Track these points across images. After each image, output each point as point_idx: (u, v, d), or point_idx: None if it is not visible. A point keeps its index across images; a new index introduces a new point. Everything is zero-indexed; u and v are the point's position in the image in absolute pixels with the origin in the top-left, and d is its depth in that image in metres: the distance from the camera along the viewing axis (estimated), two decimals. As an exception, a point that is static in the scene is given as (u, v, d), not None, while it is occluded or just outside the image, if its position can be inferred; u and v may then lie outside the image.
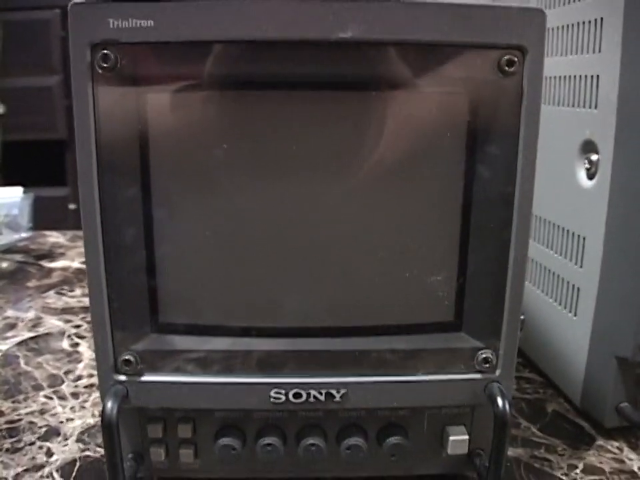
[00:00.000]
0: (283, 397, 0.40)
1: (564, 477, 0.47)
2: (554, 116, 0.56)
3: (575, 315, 0.54)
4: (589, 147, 0.51)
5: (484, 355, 0.40)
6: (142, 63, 0.36)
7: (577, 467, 0.48)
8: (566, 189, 0.55)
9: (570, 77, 0.54)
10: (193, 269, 0.40)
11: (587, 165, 0.52)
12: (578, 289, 0.54)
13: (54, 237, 1.05)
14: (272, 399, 0.40)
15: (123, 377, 0.40)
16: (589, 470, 0.48)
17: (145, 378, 0.40)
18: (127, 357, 0.39)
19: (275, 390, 0.39)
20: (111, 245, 0.38)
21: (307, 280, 0.40)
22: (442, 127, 0.38)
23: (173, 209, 0.39)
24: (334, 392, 0.40)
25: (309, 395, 0.40)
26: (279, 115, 0.38)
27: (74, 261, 0.94)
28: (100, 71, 0.36)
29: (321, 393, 0.40)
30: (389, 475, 0.45)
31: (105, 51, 0.35)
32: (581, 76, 0.52)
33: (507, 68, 0.36)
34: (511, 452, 0.49)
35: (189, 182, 0.38)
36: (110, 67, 0.35)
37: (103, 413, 0.38)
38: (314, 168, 0.38)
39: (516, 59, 0.36)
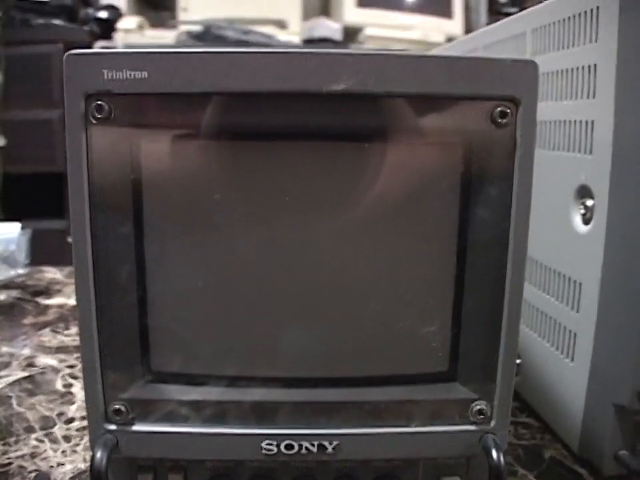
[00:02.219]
0: (275, 449, 0.39)
1: (561, 528, 0.46)
2: (549, 160, 0.56)
3: (572, 361, 0.54)
4: (584, 192, 0.51)
5: (478, 407, 0.40)
6: (135, 114, 0.36)
7: (574, 518, 0.47)
8: (562, 234, 0.55)
9: (565, 121, 0.54)
10: (185, 317, 0.40)
11: (583, 210, 0.51)
12: (575, 334, 0.54)
13: (51, 273, 1.05)
14: (264, 450, 0.39)
15: (113, 427, 0.39)
16: (587, 520, 0.47)
17: (136, 427, 0.39)
18: (117, 407, 0.39)
19: (267, 441, 0.39)
20: (102, 296, 0.38)
21: (300, 329, 0.39)
22: (436, 177, 0.38)
23: (166, 255, 0.39)
24: (326, 443, 0.39)
25: (301, 446, 0.39)
26: (272, 164, 0.38)
27: (70, 298, 0.93)
28: (94, 121, 0.36)
29: (313, 445, 0.39)
30: (383, 526, 0.44)
31: (99, 102, 0.35)
32: (575, 121, 0.52)
33: (499, 119, 0.37)
34: (507, 501, 0.49)
35: (182, 230, 0.38)
36: (104, 118, 0.36)
37: (92, 463, 0.38)
38: (307, 217, 0.38)
39: (508, 110, 0.36)
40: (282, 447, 0.39)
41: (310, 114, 0.37)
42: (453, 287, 0.39)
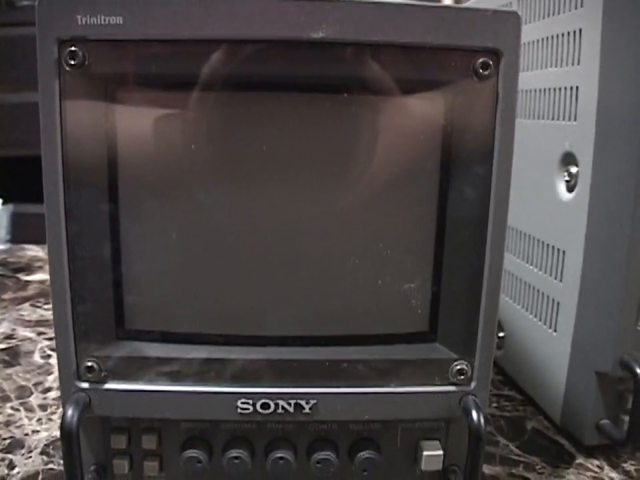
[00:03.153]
0: (251, 408, 0.38)
1: (542, 496, 0.46)
2: (534, 129, 0.55)
3: (555, 331, 0.54)
4: (568, 159, 0.51)
5: (459, 367, 0.39)
6: (111, 61, 0.35)
7: (555, 486, 0.47)
8: (545, 202, 0.54)
9: (549, 89, 0.53)
10: (160, 275, 0.39)
11: (567, 178, 0.51)
12: (558, 303, 0.53)
13: (33, 251, 1.04)
14: (239, 410, 0.38)
15: (85, 385, 0.38)
16: (567, 489, 0.47)
17: (109, 385, 0.38)
18: (89, 364, 0.38)
19: (242, 400, 0.38)
20: (75, 247, 0.37)
21: (277, 288, 0.39)
22: (417, 131, 0.37)
23: (141, 210, 0.38)
24: (303, 403, 0.38)
25: (277, 405, 0.38)
26: (251, 116, 0.37)
27: (51, 274, 0.92)
28: (67, 68, 0.35)
29: (289, 404, 0.38)
30: (360, 490, 0.44)
31: (73, 48, 0.34)
32: (560, 88, 0.51)
33: (481, 71, 0.36)
34: (488, 470, 0.48)
35: (157, 183, 0.37)
36: (77, 65, 0.35)
37: (62, 422, 0.37)
38: (286, 173, 0.38)
39: (491, 62, 0.36)
40: (258, 406, 0.38)
41: (289, 63, 0.36)
42: (434, 245, 0.39)
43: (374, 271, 0.38)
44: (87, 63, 0.35)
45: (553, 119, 0.53)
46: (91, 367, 0.38)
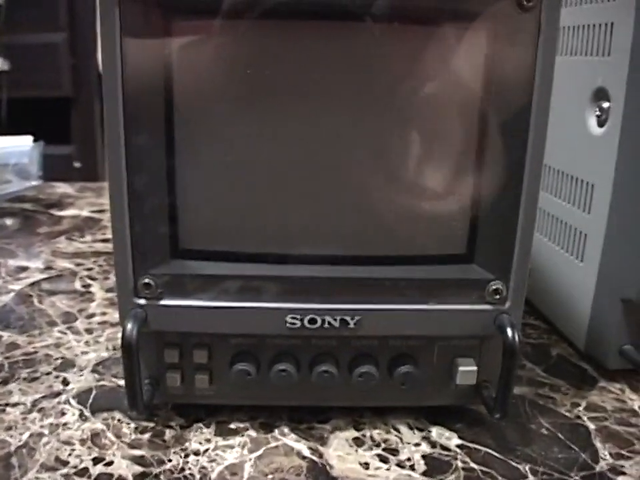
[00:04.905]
0: (299, 323, 0.41)
1: (567, 413, 0.48)
2: (566, 65, 0.56)
3: (582, 261, 0.55)
4: (600, 94, 0.52)
5: (494, 287, 0.41)
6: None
7: (579, 405, 0.49)
8: (576, 137, 0.55)
9: (584, 25, 0.54)
10: (213, 195, 0.41)
11: (598, 113, 0.52)
12: (585, 235, 0.55)
13: (62, 188, 1.06)
14: (288, 324, 0.41)
15: (142, 301, 0.41)
16: (591, 408, 0.49)
17: (164, 302, 0.41)
18: (146, 281, 0.40)
19: (291, 315, 0.40)
20: (133, 169, 0.39)
21: (323, 208, 0.41)
22: (460, 59, 0.39)
23: (195, 134, 0.39)
24: (348, 319, 0.41)
25: (323, 320, 0.41)
26: (300, 43, 0.38)
27: (83, 210, 0.94)
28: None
29: (335, 319, 0.41)
30: (398, 404, 0.46)
31: (132, -25, 0.36)
32: (594, 24, 0.52)
33: (525, 2, 0.37)
34: (516, 390, 0.50)
35: (210, 108, 0.39)
36: (138, -7, 0.36)
37: (122, 336, 0.40)
38: (331, 100, 0.39)
39: (535, -6, 0.37)
40: (305, 321, 0.41)
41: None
42: (473, 169, 0.40)
43: (416, 191, 0.40)
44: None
45: (586, 54, 0.54)
46: (148, 283, 0.40)
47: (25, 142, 0.93)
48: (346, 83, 0.39)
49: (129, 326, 0.40)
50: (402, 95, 0.39)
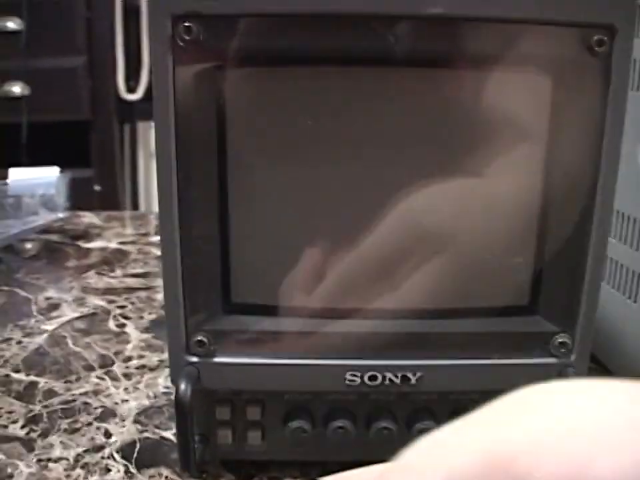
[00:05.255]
0: (359, 380, 0.39)
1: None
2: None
3: (635, 302, 0.54)
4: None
5: (560, 340, 0.40)
6: (224, 37, 0.35)
7: None
8: (627, 174, 0.54)
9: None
10: (266, 247, 0.39)
11: (650, 148, 0.51)
12: (638, 274, 0.53)
13: (88, 218, 1.05)
14: (347, 381, 0.39)
15: (195, 358, 0.39)
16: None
17: (217, 359, 0.39)
18: (199, 338, 0.39)
19: (351, 372, 0.39)
20: (186, 222, 0.37)
21: (385, 263, 0.39)
22: (525, 106, 0.37)
23: (249, 187, 0.38)
24: (410, 375, 0.39)
25: (384, 377, 0.39)
26: (359, 90, 0.37)
27: (111, 242, 0.93)
28: (181, 44, 0.35)
29: (397, 376, 0.39)
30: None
31: (187, 24, 0.34)
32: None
33: (596, 48, 0.35)
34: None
35: (266, 161, 0.38)
36: (192, 40, 0.35)
37: (176, 395, 0.38)
38: (396, 148, 0.38)
39: (605, 38, 0.35)
40: (365, 378, 0.39)
41: (402, 38, 0.35)
42: (538, 221, 0.39)
43: (482, 245, 0.39)
44: (201, 37, 0.35)
45: (637, 90, 0.52)
46: (201, 340, 0.39)
47: (51, 173, 0.92)
48: (407, 132, 0.38)
49: (183, 386, 0.38)
50: (466, 142, 0.38)
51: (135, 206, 2.11)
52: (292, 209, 0.38)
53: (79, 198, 1.34)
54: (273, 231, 0.39)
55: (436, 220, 0.39)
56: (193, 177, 0.37)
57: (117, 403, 0.53)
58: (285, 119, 0.37)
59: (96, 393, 0.54)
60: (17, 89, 1.80)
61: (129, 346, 0.63)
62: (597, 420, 0.18)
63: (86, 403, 0.53)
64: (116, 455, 0.46)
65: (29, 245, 0.92)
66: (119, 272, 0.82)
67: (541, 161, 0.38)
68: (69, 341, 0.64)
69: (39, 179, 0.90)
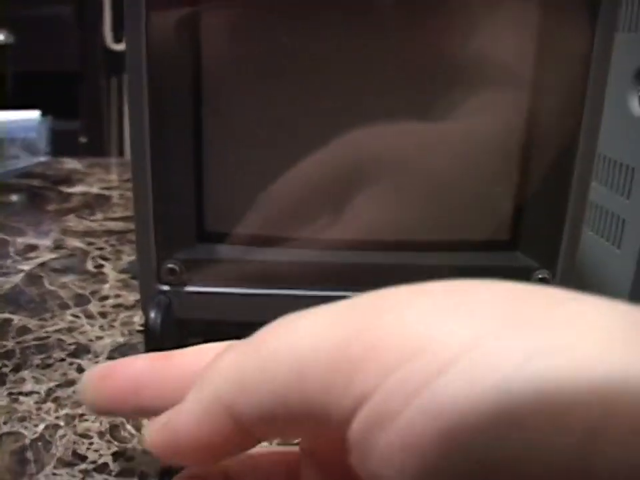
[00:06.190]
0: (332, 311, 0.38)
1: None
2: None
3: (619, 248, 0.53)
4: (644, 73, 0.49)
5: (540, 275, 0.39)
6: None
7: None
8: (616, 118, 0.53)
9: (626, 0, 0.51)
10: (241, 176, 0.38)
11: (641, 93, 0.50)
12: (623, 220, 0.52)
13: (70, 164, 1.03)
14: (320, 313, 0.38)
15: (166, 287, 0.38)
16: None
17: (190, 288, 0.38)
18: (171, 266, 0.38)
19: (323, 304, 0.38)
20: (157, 146, 0.36)
21: (360, 192, 0.38)
22: (511, 40, 0.36)
23: (224, 110, 0.37)
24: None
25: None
26: (336, 23, 0.36)
27: (93, 187, 0.92)
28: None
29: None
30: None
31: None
32: (638, -2, 0.49)
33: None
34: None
35: (240, 82, 0.37)
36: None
37: (146, 325, 0.37)
38: (375, 79, 0.37)
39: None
40: (339, 309, 0.38)
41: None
42: (520, 155, 0.38)
43: (461, 177, 0.38)
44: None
45: (629, 31, 0.51)
46: (173, 269, 0.38)
47: (32, 116, 0.90)
48: (387, 62, 0.36)
49: (153, 314, 0.37)
50: (450, 67, 0.36)
51: (121, 154, 2.08)
52: (265, 139, 0.37)
53: (65, 149, 1.32)
54: (246, 159, 0.38)
55: (415, 148, 0.37)
56: (165, 101, 0.36)
57: (91, 340, 0.52)
58: (261, 54, 0.36)
59: (70, 330, 0.53)
60: (0, 36, 1.76)
61: (106, 285, 0.62)
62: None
63: (60, 340, 0.52)
64: (88, 389, 0.45)
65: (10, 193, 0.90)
66: (99, 215, 0.81)
67: (525, 98, 0.37)
68: (45, 281, 0.63)
69: (19, 122, 0.89)
